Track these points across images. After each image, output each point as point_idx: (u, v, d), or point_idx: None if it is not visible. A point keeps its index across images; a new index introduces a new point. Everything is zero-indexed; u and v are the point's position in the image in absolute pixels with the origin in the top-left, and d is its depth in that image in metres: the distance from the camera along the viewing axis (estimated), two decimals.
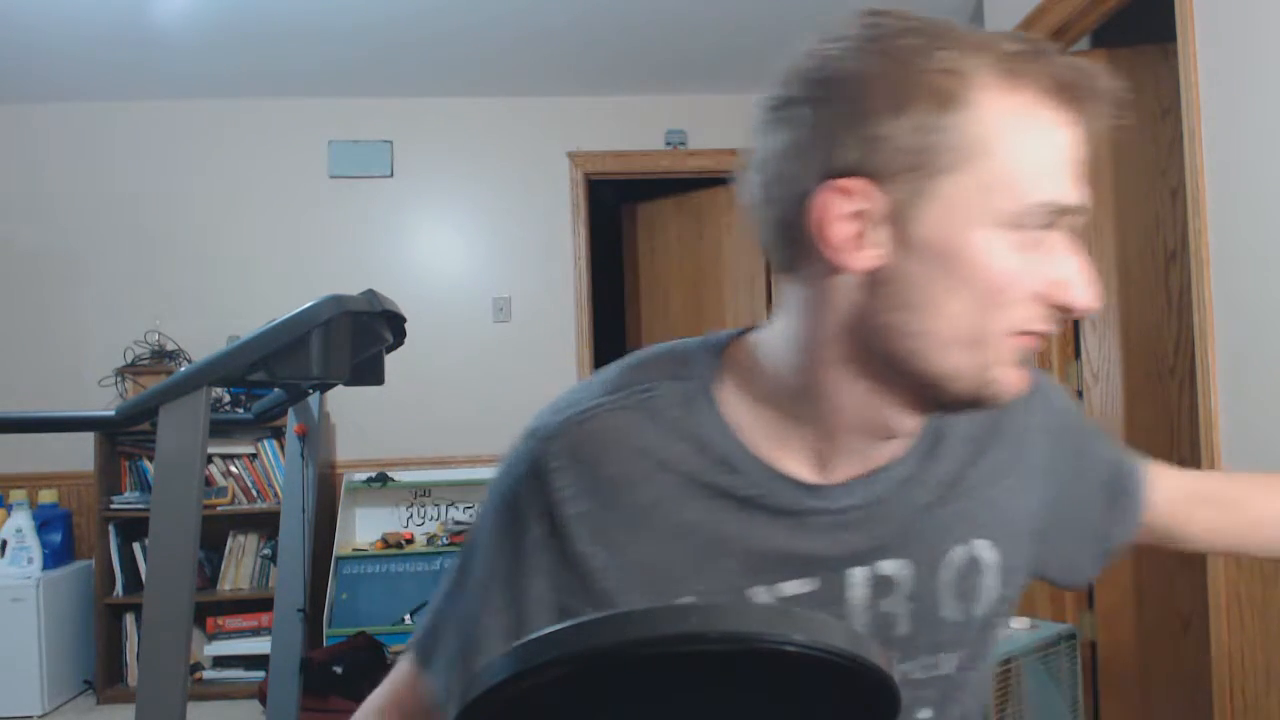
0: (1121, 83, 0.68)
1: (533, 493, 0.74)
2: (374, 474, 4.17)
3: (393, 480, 4.15)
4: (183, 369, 1.69)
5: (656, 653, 0.44)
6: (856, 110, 0.64)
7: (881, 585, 0.77)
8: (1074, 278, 0.66)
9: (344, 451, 4.29)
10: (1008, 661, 2.21)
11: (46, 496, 3.95)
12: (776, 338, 0.74)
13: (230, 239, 4.30)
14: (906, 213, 0.65)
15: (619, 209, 5.07)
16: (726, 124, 4.41)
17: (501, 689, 0.45)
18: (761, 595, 0.74)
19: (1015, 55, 0.64)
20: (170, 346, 4.14)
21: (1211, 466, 2.17)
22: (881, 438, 0.74)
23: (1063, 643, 2.32)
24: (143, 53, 3.73)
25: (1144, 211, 2.90)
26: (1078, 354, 2.99)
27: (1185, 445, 2.80)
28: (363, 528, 4.21)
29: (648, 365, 0.78)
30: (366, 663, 3.63)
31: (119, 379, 4.06)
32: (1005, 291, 0.65)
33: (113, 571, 3.92)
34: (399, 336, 2.11)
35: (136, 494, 3.97)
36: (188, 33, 3.54)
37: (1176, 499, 0.91)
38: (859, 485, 0.75)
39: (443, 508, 4.25)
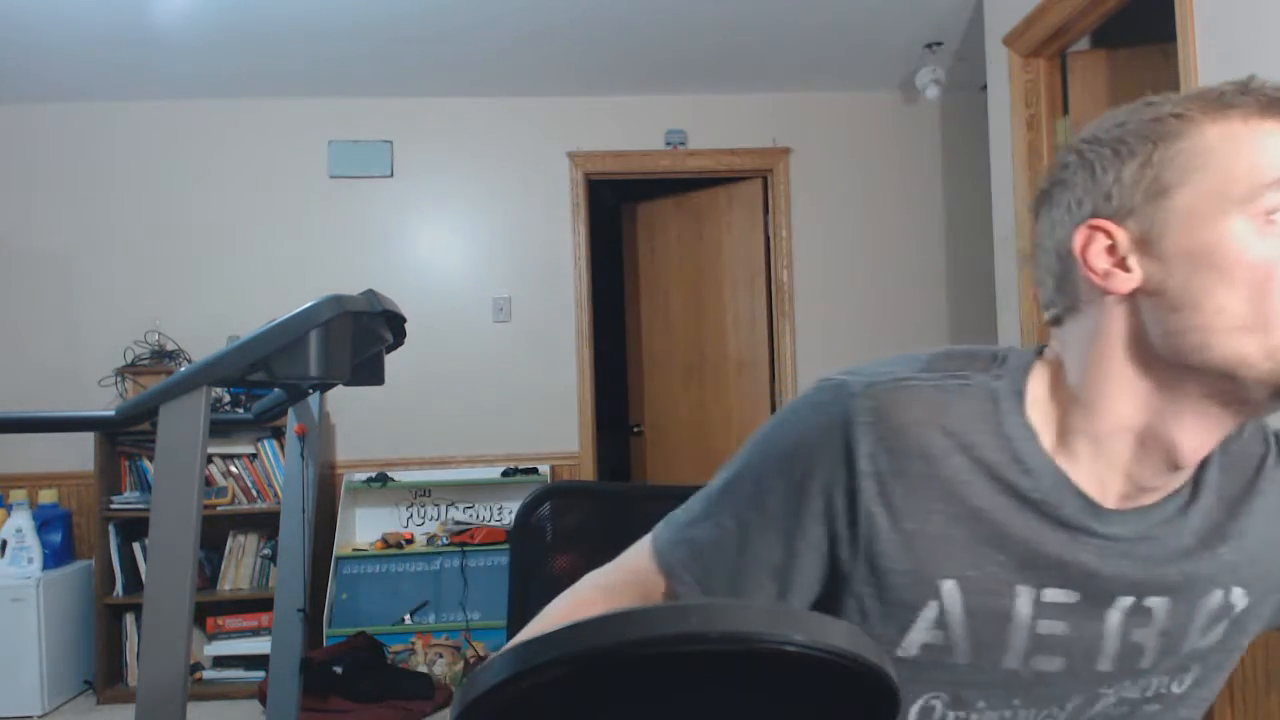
0: None
1: (831, 442, 0.77)
2: (374, 474, 4.17)
3: (393, 480, 4.15)
4: (183, 369, 1.69)
5: (656, 653, 0.44)
6: (1101, 166, 0.77)
7: (1139, 616, 0.79)
8: None
9: (344, 451, 4.29)
10: None
11: (46, 496, 3.95)
12: (1071, 362, 0.80)
13: (230, 239, 4.30)
14: (1150, 234, 0.75)
15: (619, 209, 5.07)
16: (726, 124, 4.42)
17: (501, 689, 0.45)
18: (1025, 595, 0.77)
19: (1224, 92, 0.75)
20: (170, 346, 4.14)
21: None
22: (1165, 461, 0.78)
23: None
24: (143, 53, 3.73)
25: None
26: None
27: None
28: (363, 528, 4.21)
29: (962, 358, 0.83)
30: (366, 663, 3.63)
31: (119, 379, 4.06)
32: (1271, 275, 0.71)
33: (113, 571, 3.92)
34: (399, 336, 2.11)
35: (136, 494, 3.97)
36: (188, 33, 3.54)
37: None
38: (1134, 516, 0.79)
39: (443, 508, 4.25)
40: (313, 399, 2.63)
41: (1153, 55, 2.85)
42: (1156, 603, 0.80)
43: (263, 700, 3.38)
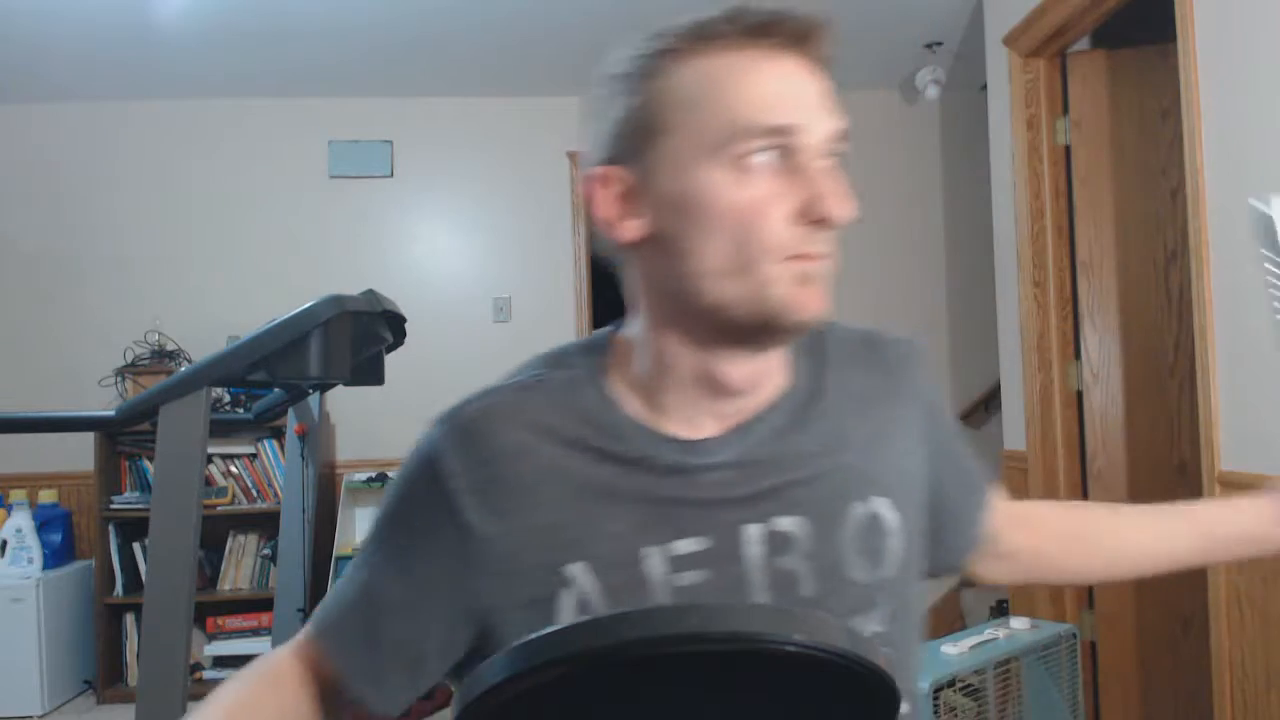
0: (815, 10, 0.73)
1: (424, 477, 0.80)
2: (374, 474, 4.16)
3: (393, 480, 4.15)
4: (183, 369, 1.69)
5: (656, 653, 0.44)
6: (599, 111, 0.77)
7: (778, 542, 0.77)
8: (823, 192, 0.71)
9: (344, 451, 4.29)
10: (1007, 661, 2.21)
11: (46, 496, 3.95)
12: (631, 318, 0.82)
13: (230, 239, 4.30)
14: (648, 180, 0.74)
15: None
16: None
17: (501, 689, 0.45)
18: (654, 555, 0.76)
19: (710, 21, 0.73)
20: (170, 346, 4.14)
21: (1211, 466, 2.17)
22: (722, 392, 0.78)
23: (1063, 643, 2.32)
24: (143, 53, 3.73)
25: (1144, 211, 2.90)
26: (1078, 354, 2.99)
27: (1185, 445, 2.80)
28: (363, 528, 4.21)
29: (537, 360, 0.86)
30: None
31: (119, 379, 4.06)
32: (750, 217, 0.71)
33: (113, 571, 3.92)
34: (399, 336, 2.11)
35: (136, 494, 3.97)
36: (188, 33, 3.54)
37: (1005, 518, 0.97)
38: (733, 437, 0.79)
39: None
40: (313, 399, 2.63)
41: (1153, 55, 2.85)
42: (789, 523, 0.78)
43: None
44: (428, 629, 0.80)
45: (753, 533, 0.77)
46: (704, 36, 0.73)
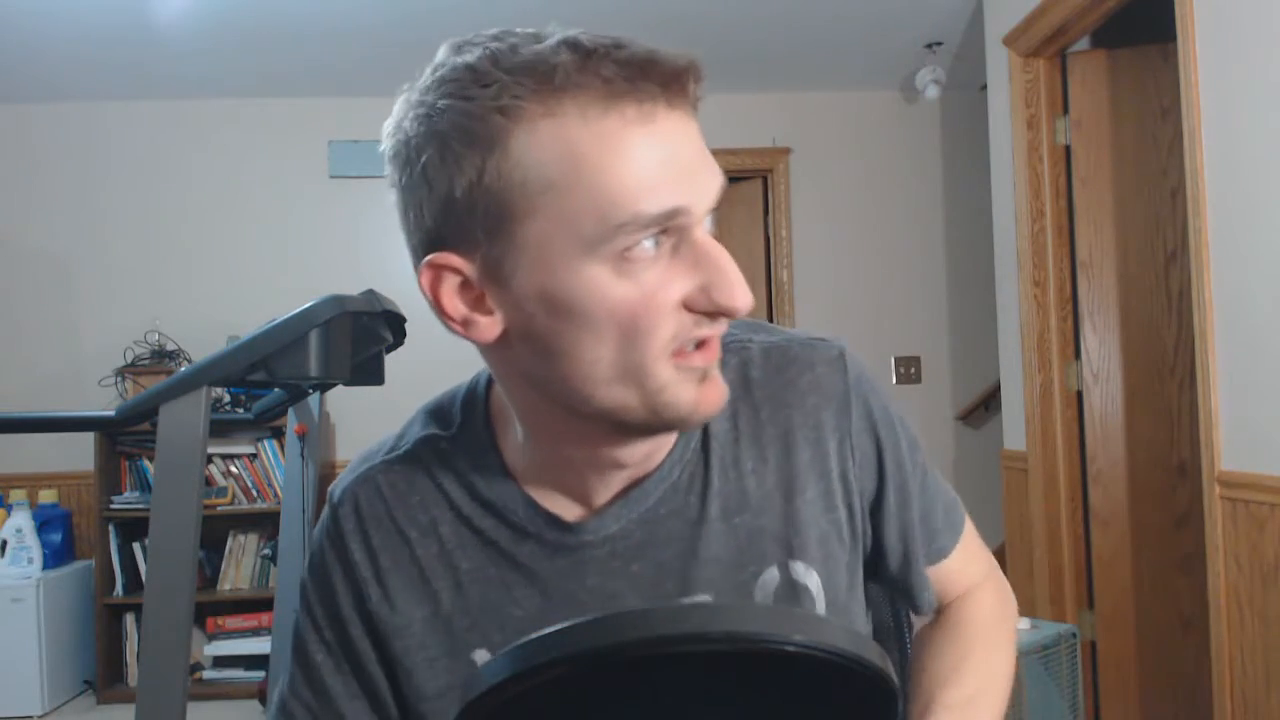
0: (683, 53, 0.62)
1: (337, 558, 0.76)
2: None
3: None
4: (183, 369, 1.69)
5: (657, 653, 0.44)
6: (421, 183, 0.63)
7: None
8: (718, 278, 0.60)
9: (344, 451, 4.29)
10: None
11: (46, 496, 3.94)
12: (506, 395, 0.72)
13: (230, 239, 4.29)
14: (501, 271, 0.61)
15: None
16: (726, 124, 4.41)
17: (501, 689, 0.45)
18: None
19: (553, 71, 0.58)
20: (170, 346, 4.14)
21: (1211, 467, 2.17)
22: (614, 468, 0.70)
23: (1063, 643, 2.32)
24: (143, 53, 3.72)
25: (1144, 211, 2.90)
26: (1078, 354, 2.99)
27: (1185, 445, 2.80)
28: None
29: (423, 417, 0.78)
30: None
31: (119, 379, 4.06)
32: (637, 316, 0.60)
33: (113, 571, 3.91)
34: (399, 336, 2.11)
35: (136, 494, 3.97)
36: (188, 33, 3.54)
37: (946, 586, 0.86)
38: (618, 509, 0.71)
39: None
40: (313, 399, 2.63)
41: (1153, 55, 2.85)
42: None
43: (263, 700, 3.38)
44: (384, 703, 0.77)
45: None
46: (555, 89, 0.58)
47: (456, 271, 0.63)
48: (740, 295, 0.60)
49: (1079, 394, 2.98)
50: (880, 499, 0.78)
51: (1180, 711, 2.80)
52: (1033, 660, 2.27)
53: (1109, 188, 2.93)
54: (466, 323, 0.64)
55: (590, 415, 0.64)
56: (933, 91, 3.98)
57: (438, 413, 0.78)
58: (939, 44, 3.88)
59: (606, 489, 0.72)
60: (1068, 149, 2.98)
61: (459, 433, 0.75)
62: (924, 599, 0.83)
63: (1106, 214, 2.94)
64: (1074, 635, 2.35)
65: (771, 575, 0.72)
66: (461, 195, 0.60)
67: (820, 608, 0.73)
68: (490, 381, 0.76)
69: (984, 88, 3.37)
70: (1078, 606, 2.96)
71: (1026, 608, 3.00)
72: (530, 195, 0.59)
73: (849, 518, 0.76)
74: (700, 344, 0.63)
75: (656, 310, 0.60)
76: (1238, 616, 2.12)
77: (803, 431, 0.74)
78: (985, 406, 4.34)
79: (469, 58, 0.62)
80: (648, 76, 0.59)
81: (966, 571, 0.86)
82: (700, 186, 0.60)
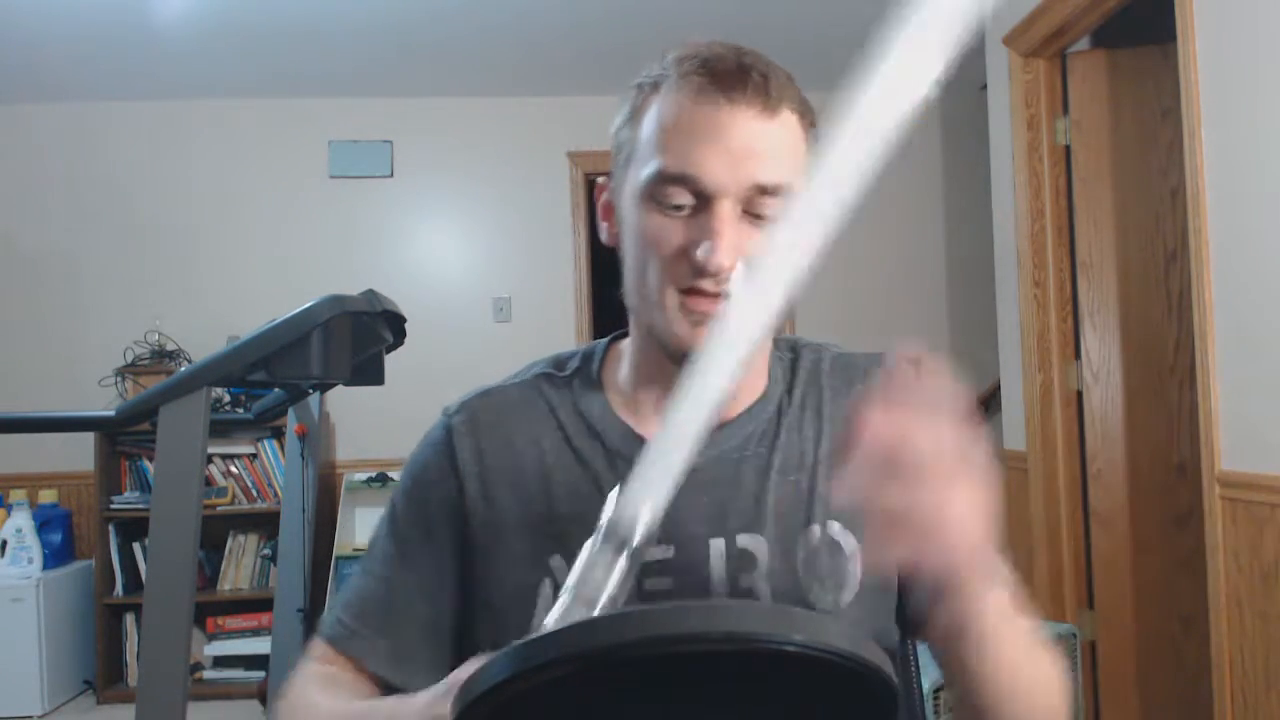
0: (757, 65, 0.78)
1: (439, 458, 0.86)
2: (374, 474, 4.16)
3: (393, 480, 4.14)
4: (183, 369, 1.69)
5: (656, 653, 0.44)
6: (620, 114, 0.83)
7: (741, 560, 0.79)
8: (703, 238, 0.74)
9: (344, 451, 4.29)
10: None
11: (46, 496, 3.94)
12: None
13: (230, 239, 4.29)
14: (616, 196, 0.83)
15: None
16: None
17: (501, 689, 0.45)
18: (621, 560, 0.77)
19: (669, 65, 0.79)
20: (170, 346, 4.14)
21: (1211, 466, 2.17)
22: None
23: (1063, 643, 2.32)
24: (143, 53, 3.72)
25: (1144, 211, 2.90)
26: (1078, 354, 2.99)
27: (1185, 445, 2.80)
28: (363, 528, 4.21)
29: (541, 361, 0.92)
30: None
31: (119, 379, 4.06)
32: (650, 247, 0.76)
33: (113, 571, 3.91)
34: (399, 336, 2.11)
35: (136, 494, 3.97)
36: (188, 33, 3.54)
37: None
38: (704, 445, 0.78)
39: None
40: (313, 399, 2.63)
41: (1153, 55, 2.85)
42: (749, 541, 0.79)
43: (263, 700, 3.38)
44: (443, 606, 0.84)
45: (716, 547, 0.79)
46: (666, 78, 0.78)
47: (603, 190, 0.87)
48: (713, 260, 0.73)
49: (1079, 394, 2.98)
50: None
51: (1180, 711, 2.80)
52: None
53: (1109, 188, 2.93)
54: (599, 224, 0.87)
55: (650, 335, 0.80)
56: (933, 91, 3.97)
57: (556, 361, 0.91)
58: None
59: None
60: (1068, 149, 2.98)
61: (573, 375, 0.88)
62: (919, 598, 0.82)
63: (1106, 214, 2.93)
64: (1074, 635, 2.35)
65: (814, 531, 0.81)
66: (617, 142, 0.83)
67: (856, 568, 0.80)
68: (610, 341, 0.91)
69: (984, 88, 3.37)
70: (1078, 606, 2.96)
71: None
72: (636, 147, 0.79)
73: None
74: (696, 290, 0.75)
75: (663, 246, 0.76)
76: (1238, 616, 2.12)
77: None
78: (985, 406, 4.34)
79: (668, 53, 0.83)
80: (718, 79, 0.76)
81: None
82: (733, 169, 0.74)
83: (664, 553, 0.78)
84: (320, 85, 4.17)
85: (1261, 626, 2.05)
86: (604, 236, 0.86)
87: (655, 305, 0.77)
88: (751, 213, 0.75)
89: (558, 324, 4.37)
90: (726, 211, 0.74)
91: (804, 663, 0.45)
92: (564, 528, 0.79)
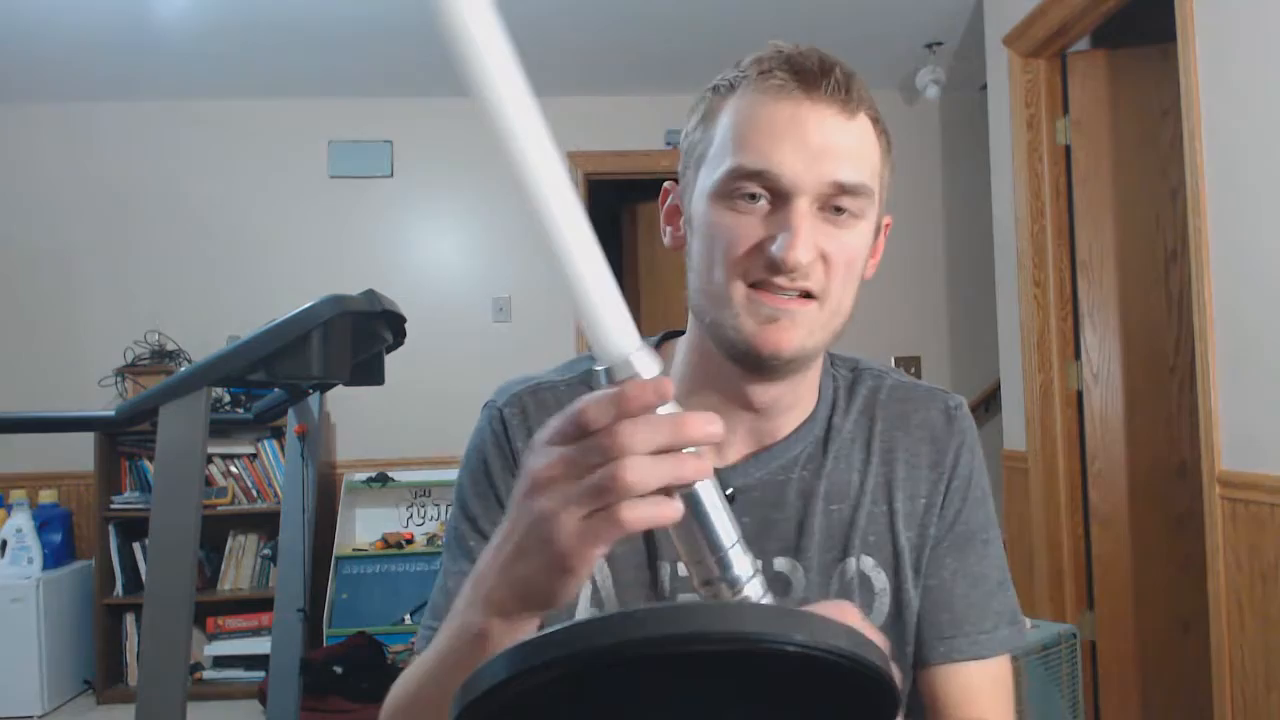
0: (834, 64, 0.76)
1: (496, 444, 0.85)
2: (374, 474, 4.16)
3: (393, 480, 4.15)
4: (183, 369, 1.69)
5: (656, 653, 0.44)
6: (691, 120, 0.82)
7: (774, 583, 0.78)
8: (782, 237, 0.72)
9: (344, 451, 4.29)
10: None
11: (46, 496, 3.94)
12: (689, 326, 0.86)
13: (230, 239, 4.29)
14: (685, 198, 0.81)
15: (619, 209, 5.07)
16: None
17: (501, 689, 0.45)
18: (664, 569, 0.79)
19: (746, 66, 0.77)
20: (170, 346, 4.14)
21: (1211, 467, 2.17)
22: (747, 407, 0.80)
23: (1063, 643, 2.31)
24: (142, 53, 3.72)
25: (1144, 211, 2.90)
26: (1078, 354, 2.99)
27: (1185, 445, 2.80)
28: (363, 528, 4.21)
29: (585, 358, 0.89)
30: (366, 663, 3.63)
31: (119, 379, 4.06)
32: (721, 243, 0.75)
33: (113, 571, 3.91)
34: (399, 336, 2.11)
35: (136, 494, 3.97)
36: (188, 33, 3.54)
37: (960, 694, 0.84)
38: (745, 465, 0.81)
39: (443, 508, 4.25)
40: (313, 399, 2.63)
41: (1153, 55, 2.85)
42: (786, 566, 0.79)
43: (263, 700, 3.38)
44: None
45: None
46: (744, 79, 0.77)
47: (670, 193, 0.85)
48: (790, 255, 0.72)
49: (1079, 394, 2.98)
50: (937, 545, 0.84)
51: (1180, 711, 2.80)
52: (1033, 660, 2.27)
53: (1109, 188, 2.93)
54: (664, 229, 0.85)
55: (713, 335, 0.77)
56: (933, 91, 3.97)
57: None
58: (939, 44, 3.88)
59: (739, 441, 0.82)
60: (1068, 149, 2.98)
61: None
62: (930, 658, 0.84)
63: (1106, 214, 2.94)
64: (1074, 635, 2.35)
65: (851, 565, 0.81)
66: (688, 145, 0.81)
67: (885, 606, 0.81)
68: (660, 341, 0.89)
69: (984, 88, 3.37)
70: (1078, 606, 2.96)
71: (1027, 608, 3.00)
72: (710, 149, 0.77)
73: (920, 543, 0.84)
74: (768, 286, 0.74)
75: (735, 242, 0.74)
76: (1238, 616, 2.12)
77: (903, 455, 0.84)
78: (985, 406, 4.34)
79: (743, 59, 0.80)
80: (799, 76, 0.74)
81: (981, 703, 0.83)
82: (812, 166, 0.73)
83: None
84: (320, 85, 4.17)
85: (1261, 627, 2.05)
86: (666, 240, 0.84)
87: (722, 301, 0.75)
88: (828, 211, 0.74)
89: (558, 324, 4.37)
90: (804, 208, 0.73)
91: (805, 663, 0.45)
92: None
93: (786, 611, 0.47)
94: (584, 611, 0.79)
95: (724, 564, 0.57)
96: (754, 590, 0.57)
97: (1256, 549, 2.06)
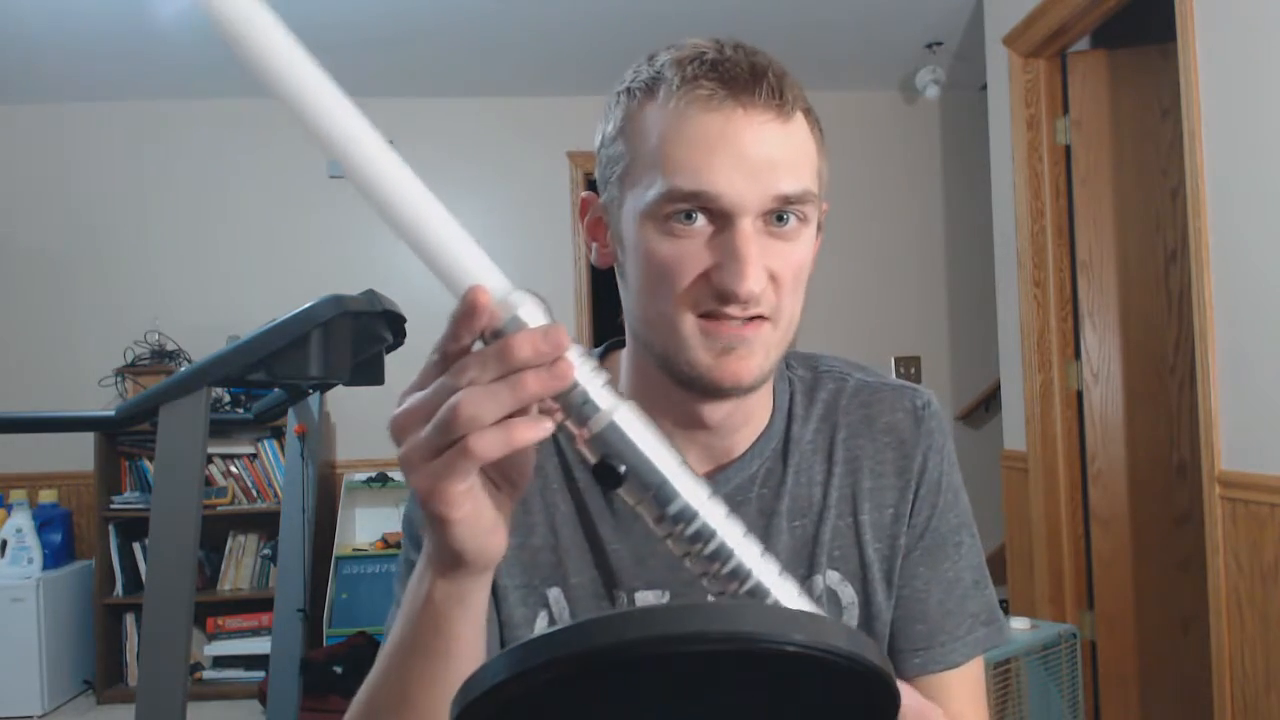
0: (767, 65, 0.71)
1: None
2: (374, 474, 4.16)
3: (393, 480, 4.15)
4: (183, 369, 1.69)
5: (656, 653, 0.44)
6: (602, 123, 0.76)
7: None
8: (729, 263, 0.67)
9: (344, 451, 4.29)
10: (1007, 662, 2.21)
11: (46, 496, 3.95)
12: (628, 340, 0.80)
13: (230, 239, 4.30)
14: (611, 215, 0.74)
15: None
16: None
17: (501, 689, 0.45)
18: (621, 599, 0.77)
19: (670, 67, 0.70)
20: (170, 346, 4.14)
21: (1211, 466, 2.17)
22: (699, 427, 0.76)
23: (1063, 643, 2.32)
24: (142, 53, 3.72)
25: (1144, 211, 2.90)
26: (1078, 354, 2.99)
27: (1185, 445, 2.80)
28: (363, 528, 4.21)
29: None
30: (366, 663, 3.63)
31: (119, 379, 4.06)
32: (664, 273, 0.69)
33: (113, 571, 3.92)
34: (399, 336, 2.11)
35: (136, 494, 3.97)
36: (188, 33, 3.54)
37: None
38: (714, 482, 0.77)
39: None
40: (313, 399, 2.63)
41: (1153, 55, 2.85)
42: None
43: (263, 700, 3.38)
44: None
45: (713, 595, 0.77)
46: (663, 82, 0.70)
47: (591, 206, 0.79)
48: (742, 285, 0.66)
49: (1079, 394, 2.98)
50: (908, 555, 0.81)
51: (1180, 711, 2.80)
52: (1033, 660, 2.27)
53: (1109, 188, 2.93)
54: (588, 244, 0.79)
55: (664, 366, 0.72)
56: (933, 91, 3.98)
57: None
58: (939, 44, 3.88)
59: (694, 461, 0.76)
60: (1068, 149, 2.98)
61: None
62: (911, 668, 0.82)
63: (1106, 214, 2.94)
64: (1074, 635, 2.35)
65: (818, 582, 0.78)
66: (606, 144, 0.74)
67: (854, 620, 0.78)
68: (604, 352, 0.84)
69: (984, 88, 3.37)
70: (1078, 606, 2.96)
71: (1027, 608, 3.00)
72: (631, 161, 0.71)
73: (890, 554, 0.80)
74: (719, 316, 0.69)
75: (679, 273, 0.68)
76: (1238, 616, 2.12)
77: (869, 463, 0.80)
78: (985, 406, 4.34)
79: (656, 54, 0.75)
80: (729, 84, 0.68)
81: (953, 708, 0.81)
82: (754, 183, 0.67)
83: (658, 599, 0.76)
84: None
85: (1261, 627, 2.05)
86: (594, 258, 0.78)
87: (671, 333, 0.70)
88: (771, 223, 0.69)
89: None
90: (748, 229, 0.67)
91: (804, 663, 0.45)
92: (561, 559, 0.77)
93: (786, 611, 0.47)
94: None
95: (662, 499, 0.57)
96: (731, 533, 0.57)
97: (1256, 549, 2.06)
